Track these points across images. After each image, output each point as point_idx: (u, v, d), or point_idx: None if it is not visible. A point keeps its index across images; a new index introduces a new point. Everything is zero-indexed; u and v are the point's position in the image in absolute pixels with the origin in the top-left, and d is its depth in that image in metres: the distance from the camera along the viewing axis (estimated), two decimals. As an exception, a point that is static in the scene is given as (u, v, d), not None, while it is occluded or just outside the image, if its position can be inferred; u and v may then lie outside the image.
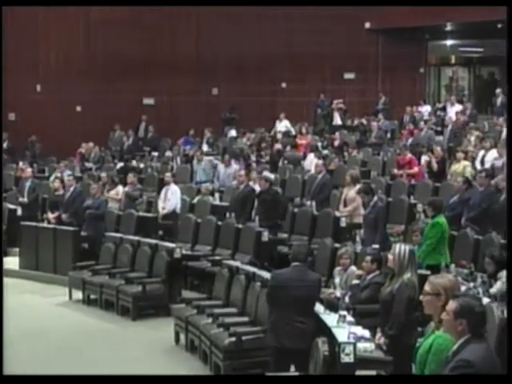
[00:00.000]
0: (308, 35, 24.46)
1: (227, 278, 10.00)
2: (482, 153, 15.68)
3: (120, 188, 15.39)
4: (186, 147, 21.10)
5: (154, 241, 12.24)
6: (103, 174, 16.46)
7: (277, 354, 7.57)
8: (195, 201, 14.95)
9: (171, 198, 14.37)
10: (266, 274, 9.36)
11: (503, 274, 8.26)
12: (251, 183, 14.12)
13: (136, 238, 12.60)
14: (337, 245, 10.74)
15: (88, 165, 20.19)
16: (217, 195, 15.54)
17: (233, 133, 23.31)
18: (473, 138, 17.02)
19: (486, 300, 7.39)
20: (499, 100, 22.19)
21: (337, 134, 20.71)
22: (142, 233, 13.18)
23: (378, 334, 7.09)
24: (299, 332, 7.40)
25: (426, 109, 23.69)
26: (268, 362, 7.84)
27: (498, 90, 23.06)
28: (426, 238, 9.86)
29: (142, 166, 19.58)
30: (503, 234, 10.38)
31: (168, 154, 20.63)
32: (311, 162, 16.70)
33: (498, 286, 8.15)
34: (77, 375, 7.30)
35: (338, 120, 23.30)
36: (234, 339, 8.50)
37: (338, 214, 12.62)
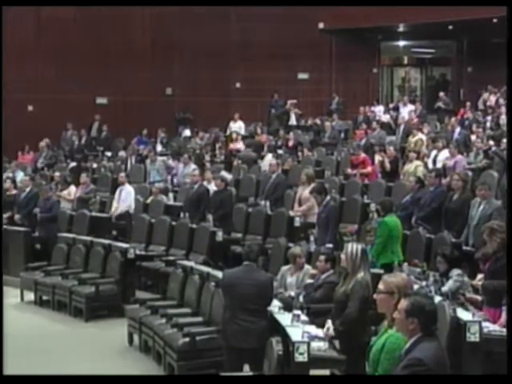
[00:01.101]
0: (262, 35, 24.52)
1: (181, 278, 9.98)
2: (434, 153, 15.84)
3: (73, 188, 15.26)
4: (139, 147, 21.00)
5: (107, 241, 12.16)
6: (56, 174, 16.29)
7: (228, 354, 7.56)
8: (149, 201, 14.88)
9: (125, 199, 14.30)
10: (220, 274, 9.36)
11: (454, 272, 8.36)
12: (205, 183, 14.10)
13: (89, 238, 12.51)
14: (291, 244, 10.77)
15: (39, 164, 19.99)
16: (171, 195, 15.48)
17: (187, 132, 23.26)
18: (414, 139, 17.25)
19: (437, 298, 7.47)
20: (440, 104, 22.43)
21: (291, 133, 20.79)
22: (96, 233, 13.09)
23: (328, 325, 7.06)
24: (246, 331, 7.39)
25: (379, 109, 23.88)
26: (221, 362, 7.82)
27: (442, 94, 23.34)
28: (376, 238, 9.98)
29: (95, 165, 19.44)
30: (455, 233, 10.51)
31: (121, 153, 20.51)
32: (269, 161, 16.77)
33: (450, 284, 8.25)
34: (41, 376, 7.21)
35: (293, 120, 23.39)
36: (187, 339, 8.48)
37: (292, 213, 12.66)
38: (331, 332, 6.99)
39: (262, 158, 18.11)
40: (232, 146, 19.73)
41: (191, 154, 17.95)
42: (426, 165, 15.17)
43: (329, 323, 7.07)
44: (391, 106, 24.39)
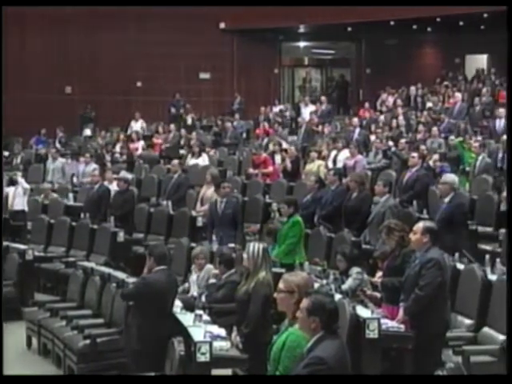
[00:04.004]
0: (163, 34, 24.37)
1: (81, 280, 9.84)
2: (334, 153, 16.06)
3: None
4: (38, 147, 20.60)
5: (4, 242, 11.86)
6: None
7: (131, 355, 7.53)
8: (48, 201, 14.62)
9: (20, 197, 14.06)
10: (122, 275, 9.28)
11: (354, 270, 8.48)
12: (106, 183, 13.93)
13: (-16, 239, 12.19)
14: (193, 244, 10.75)
15: None
16: (71, 195, 15.23)
17: (87, 132, 22.95)
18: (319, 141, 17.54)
19: (338, 296, 7.57)
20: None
21: (193, 133, 20.74)
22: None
23: (234, 333, 7.13)
24: (146, 333, 7.40)
25: (280, 109, 24.07)
26: (124, 363, 7.77)
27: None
28: (286, 238, 9.96)
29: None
30: (355, 232, 10.68)
31: (19, 153, 20.06)
32: (204, 160, 16.83)
33: (350, 282, 8.37)
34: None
35: (189, 121, 23.38)
36: (88, 342, 8.37)
37: (194, 213, 12.63)
38: (238, 340, 7.01)
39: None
40: (132, 145, 19.56)
41: (92, 154, 17.73)
42: (326, 164, 15.38)
43: (234, 330, 7.10)
44: (287, 106, 24.54)
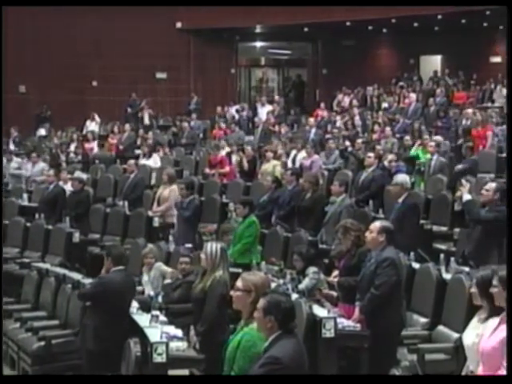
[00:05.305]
0: (119, 33, 24.24)
1: (36, 281, 9.74)
2: (294, 152, 16.10)
3: None
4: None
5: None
6: None
7: (87, 356, 7.48)
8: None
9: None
10: (77, 276, 9.21)
11: (311, 270, 8.51)
12: (61, 183, 13.81)
13: None
14: (150, 245, 10.69)
15: None
16: (25, 196, 15.07)
17: (42, 131, 22.73)
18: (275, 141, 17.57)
19: (294, 296, 7.59)
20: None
21: (150, 133, 20.66)
22: None
23: (192, 332, 7.12)
24: (102, 334, 7.37)
25: (236, 109, 24.08)
26: (79, 365, 7.72)
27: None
28: (242, 237, 9.94)
29: None
30: (311, 232, 10.72)
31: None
32: (155, 161, 16.75)
33: (306, 281, 8.40)
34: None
35: (146, 120, 23.28)
36: (43, 343, 8.28)
37: (150, 213, 12.59)
38: (195, 339, 7.00)
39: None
40: (87, 145, 19.42)
41: (40, 153, 17.58)
42: (284, 164, 15.41)
43: (192, 330, 7.09)
44: (244, 106, 24.56)
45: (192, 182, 12.37)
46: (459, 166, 13.22)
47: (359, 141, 16.21)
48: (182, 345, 6.96)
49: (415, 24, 24.96)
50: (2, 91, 20.94)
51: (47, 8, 22.61)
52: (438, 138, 15.06)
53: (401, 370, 6.20)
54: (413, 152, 15.00)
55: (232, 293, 5.14)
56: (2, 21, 19.70)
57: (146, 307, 8.03)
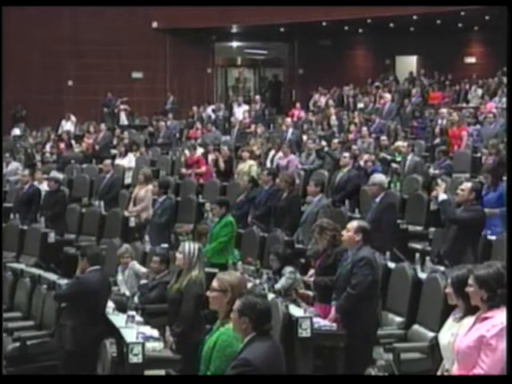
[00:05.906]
0: (95, 33, 24.14)
1: (11, 282, 9.66)
2: (272, 152, 16.11)
3: None
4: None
5: None
6: None
7: (64, 356, 7.47)
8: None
9: None
10: (53, 276, 9.16)
11: (287, 269, 8.52)
12: (36, 183, 13.73)
13: None
14: (126, 245, 10.65)
15: None
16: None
17: (17, 131, 22.60)
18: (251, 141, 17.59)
19: (271, 296, 7.60)
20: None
21: (125, 133, 20.60)
22: None
23: (168, 333, 7.10)
24: (80, 334, 7.35)
25: (212, 109, 24.06)
26: (55, 366, 7.70)
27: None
28: (218, 237, 9.96)
29: None
30: (287, 231, 10.73)
31: None
32: (130, 160, 16.65)
33: (283, 281, 8.41)
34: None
35: (124, 119, 23.20)
36: (18, 344, 8.23)
37: (126, 213, 12.55)
38: (171, 340, 6.98)
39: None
40: (63, 145, 19.31)
41: (15, 153, 17.48)
42: (260, 164, 15.42)
43: (168, 330, 7.07)
44: (220, 106, 24.55)
45: (166, 182, 12.37)
46: (435, 171, 13.23)
47: (335, 141, 16.24)
48: (158, 345, 6.95)
49: (391, 24, 25.08)
50: (1, 91, 20.74)
51: (23, 8, 22.46)
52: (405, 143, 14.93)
53: (377, 370, 6.21)
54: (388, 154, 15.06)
55: (208, 293, 5.13)
56: (1, 21, 19.54)
57: (122, 307, 8.01)
